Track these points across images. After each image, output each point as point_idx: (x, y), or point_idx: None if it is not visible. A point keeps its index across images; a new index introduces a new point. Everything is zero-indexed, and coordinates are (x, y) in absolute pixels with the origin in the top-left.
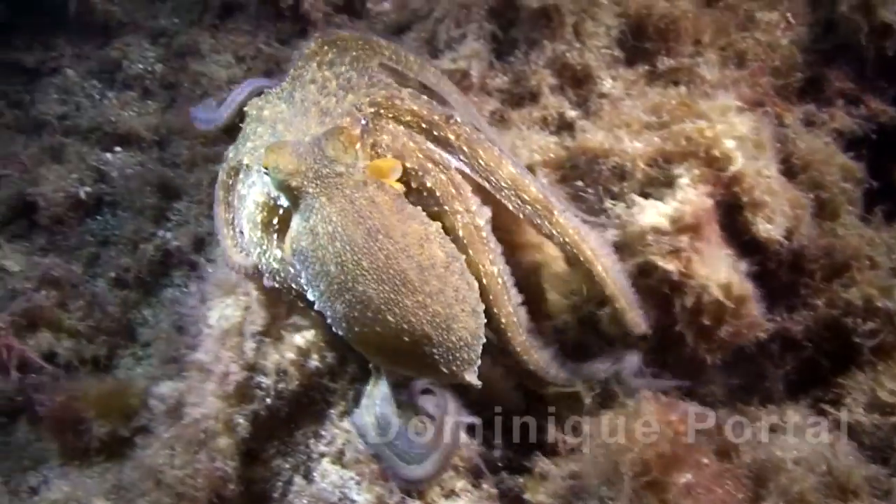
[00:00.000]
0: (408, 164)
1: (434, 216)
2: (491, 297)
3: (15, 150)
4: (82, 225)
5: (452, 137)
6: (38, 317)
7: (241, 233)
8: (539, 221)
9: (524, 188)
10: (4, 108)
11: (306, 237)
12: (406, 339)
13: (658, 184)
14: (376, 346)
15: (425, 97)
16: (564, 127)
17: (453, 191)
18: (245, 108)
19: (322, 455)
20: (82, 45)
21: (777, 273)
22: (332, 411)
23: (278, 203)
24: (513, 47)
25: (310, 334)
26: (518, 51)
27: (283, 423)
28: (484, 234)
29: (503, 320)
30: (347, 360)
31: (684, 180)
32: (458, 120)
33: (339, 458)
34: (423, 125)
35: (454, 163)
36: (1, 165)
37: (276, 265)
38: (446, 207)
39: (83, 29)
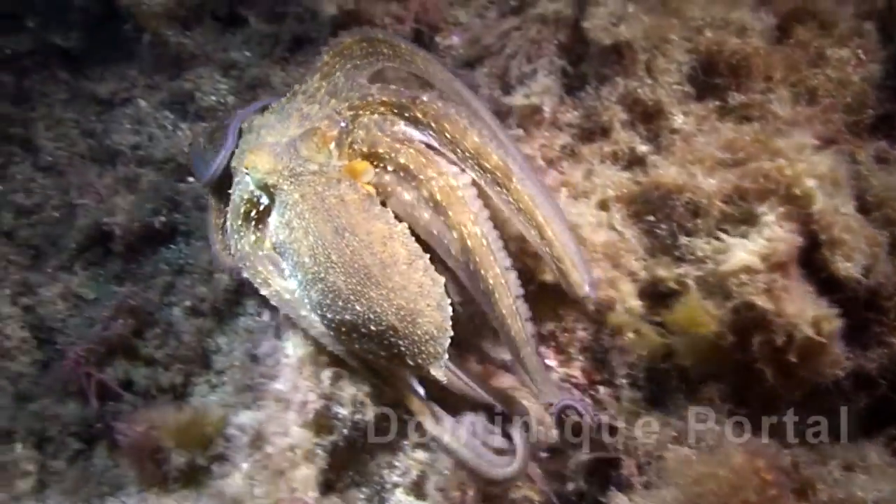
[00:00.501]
0: (380, 150)
1: (414, 190)
2: (477, 259)
3: (90, 179)
4: (157, 254)
5: (420, 115)
6: (114, 345)
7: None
8: (498, 189)
9: (486, 156)
10: (78, 137)
11: (283, 231)
12: (374, 328)
13: (734, 221)
14: (348, 334)
15: (393, 87)
16: (636, 162)
17: (423, 160)
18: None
19: (395, 485)
20: (155, 76)
21: (852, 310)
22: (405, 442)
23: (260, 200)
24: (582, 82)
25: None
26: (588, 86)
27: (358, 453)
28: (461, 194)
29: (490, 281)
30: None
31: (769, 217)
32: (425, 99)
33: (412, 489)
34: (395, 110)
35: (422, 137)
36: (77, 194)
37: (247, 249)
38: (421, 177)
39: (155, 60)
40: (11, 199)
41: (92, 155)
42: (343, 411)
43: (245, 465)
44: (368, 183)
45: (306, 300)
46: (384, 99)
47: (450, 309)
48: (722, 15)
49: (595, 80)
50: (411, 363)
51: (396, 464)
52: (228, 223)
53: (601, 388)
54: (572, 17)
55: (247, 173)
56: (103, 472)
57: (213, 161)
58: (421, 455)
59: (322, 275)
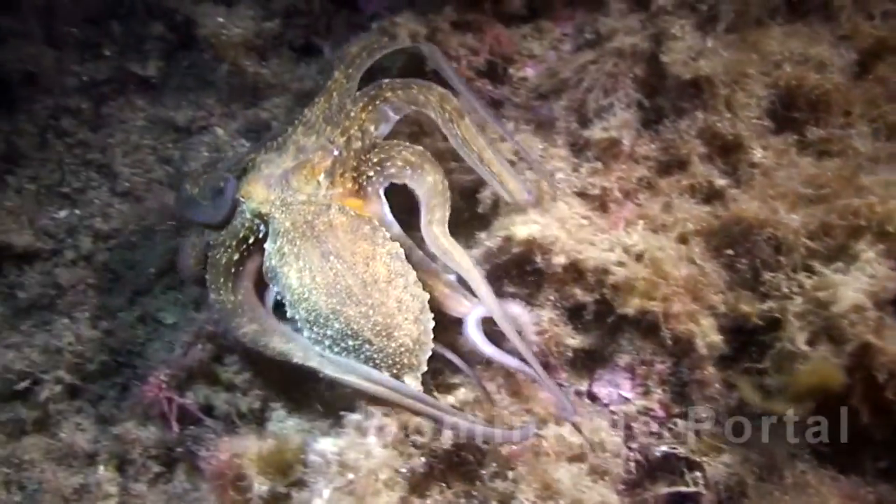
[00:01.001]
0: (363, 167)
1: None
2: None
3: (167, 204)
4: None
5: (389, 94)
6: (194, 370)
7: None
8: (451, 125)
9: (447, 100)
10: (155, 163)
11: (275, 257)
12: (351, 342)
13: (823, 257)
14: (330, 346)
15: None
16: (714, 196)
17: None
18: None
19: None
20: (231, 104)
21: None
22: (483, 471)
23: (259, 228)
24: (658, 115)
25: (461, 393)
26: (666, 119)
27: (436, 481)
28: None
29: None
30: (499, 420)
31: (869, 255)
32: (387, 81)
33: None
34: (370, 108)
35: (396, 116)
36: (155, 220)
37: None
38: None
39: (232, 89)
40: (89, 223)
41: (169, 181)
42: (422, 439)
43: (326, 493)
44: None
45: (295, 317)
46: (361, 105)
47: (431, 323)
48: (801, 50)
49: (672, 113)
50: (387, 373)
51: (474, 493)
52: (216, 242)
53: (679, 422)
54: (648, 50)
55: (243, 201)
56: (183, 496)
57: (219, 200)
58: (500, 484)
59: (306, 295)
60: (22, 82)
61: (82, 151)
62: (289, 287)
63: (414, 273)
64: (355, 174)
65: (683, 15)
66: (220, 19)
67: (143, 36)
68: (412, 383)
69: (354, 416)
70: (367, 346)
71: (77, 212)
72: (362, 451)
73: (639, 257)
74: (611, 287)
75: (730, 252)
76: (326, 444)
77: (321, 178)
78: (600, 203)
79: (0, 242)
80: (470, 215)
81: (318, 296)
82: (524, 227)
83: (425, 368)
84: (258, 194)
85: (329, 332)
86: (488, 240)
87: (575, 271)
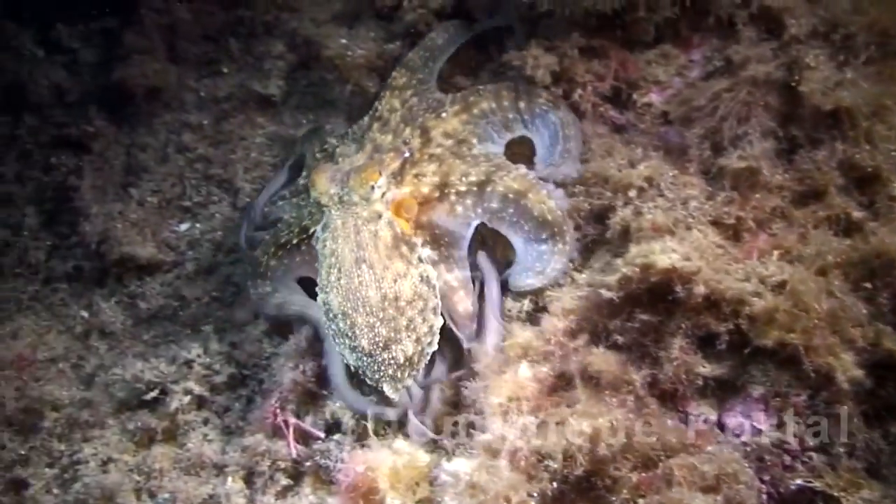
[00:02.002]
0: (452, 178)
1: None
2: (556, 228)
3: None
4: None
5: (485, 104)
6: (307, 391)
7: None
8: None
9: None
10: None
11: (321, 242)
12: (347, 342)
13: None
14: (332, 336)
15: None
16: (853, 228)
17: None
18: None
19: None
20: (352, 123)
21: None
22: (613, 498)
23: (318, 220)
24: (792, 144)
25: (597, 422)
26: (802, 149)
27: None
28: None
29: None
30: (630, 448)
31: None
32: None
33: None
34: (470, 121)
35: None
36: None
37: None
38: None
39: (352, 108)
40: (211, 237)
41: None
42: (554, 464)
43: None
44: (409, 219)
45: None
46: (454, 109)
47: (432, 349)
48: None
49: (808, 143)
50: (369, 374)
51: None
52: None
53: (814, 455)
54: (781, 79)
55: (311, 189)
56: None
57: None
58: None
59: (326, 288)
60: (145, 97)
61: (203, 166)
62: (319, 274)
63: (437, 300)
64: (437, 181)
65: (817, 45)
66: (344, 41)
67: (263, 54)
68: (388, 391)
69: (485, 437)
70: (360, 349)
71: (198, 225)
72: (494, 473)
73: (776, 288)
74: (747, 318)
75: (869, 285)
76: (459, 465)
77: (381, 181)
78: (734, 232)
79: (124, 254)
80: (595, 240)
81: (336, 294)
82: (664, 256)
83: (409, 384)
84: (320, 185)
85: (332, 326)
86: (625, 267)
87: (709, 300)
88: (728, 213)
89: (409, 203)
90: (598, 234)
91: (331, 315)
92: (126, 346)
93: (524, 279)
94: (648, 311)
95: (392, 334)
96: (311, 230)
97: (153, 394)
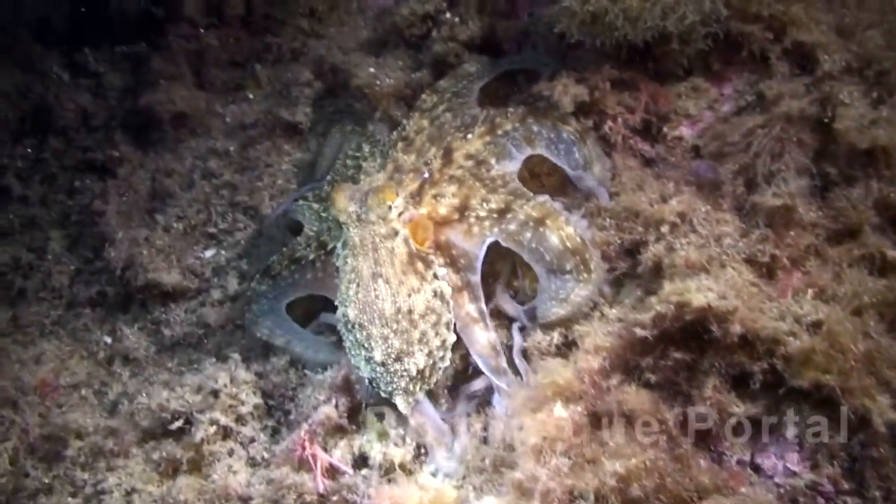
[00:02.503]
0: (473, 202)
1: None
2: (577, 258)
3: None
4: None
5: (509, 126)
6: (335, 425)
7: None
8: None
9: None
10: None
11: (341, 259)
12: (364, 353)
13: None
14: (347, 347)
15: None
16: (888, 268)
17: (512, 197)
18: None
19: None
20: None
21: None
22: None
23: (336, 236)
24: (825, 181)
25: (630, 462)
26: (836, 186)
27: None
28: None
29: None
30: (663, 489)
31: None
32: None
33: None
34: (492, 141)
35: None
36: None
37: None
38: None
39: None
40: (236, 264)
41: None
42: None
43: None
44: (425, 238)
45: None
46: (480, 131)
47: (444, 364)
48: None
49: (842, 180)
50: (382, 385)
51: None
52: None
53: (849, 499)
54: (815, 115)
55: (329, 205)
56: None
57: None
58: None
59: (344, 301)
60: (171, 122)
61: (229, 193)
62: (338, 288)
63: (450, 315)
64: (457, 203)
65: (851, 81)
66: (372, 70)
67: (290, 81)
68: (400, 404)
69: (516, 475)
70: (374, 359)
71: (224, 252)
72: None
73: (811, 328)
74: (782, 357)
75: None
76: (488, 503)
77: (398, 202)
78: (767, 269)
79: (149, 280)
80: (626, 274)
81: (353, 306)
82: (700, 295)
83: (420, 398)
84: (339, 202)
85: (350, 338)
86: (659, 304)
87: (744, 339)
88: (762, 251)
89: (425, 223)
90: (628, 269)
91: (348, 326)
92: (150, 373)
93: (549, 308)
94: (682, 350)
95: (405, 346)
96: (329, 246)
97: (178, 423)
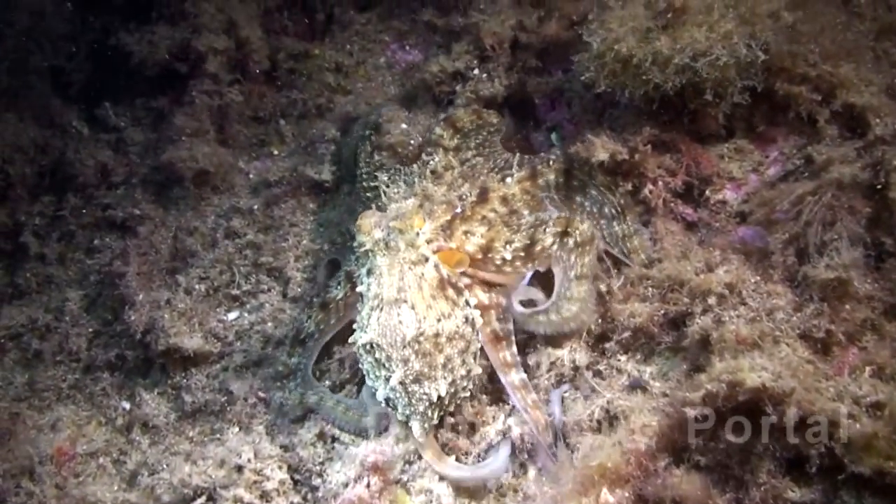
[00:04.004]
0: (496, 244)
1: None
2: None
3: None
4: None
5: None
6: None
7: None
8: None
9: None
10: None
11: (366, 285)
12: (383, 373)
13: None
14: (365, 370)
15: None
16: None
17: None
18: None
19: None
20: None
21: None
22: None
23: (363, 264)
24: (878, 249)
25: None
26: (892, 257)
27: None
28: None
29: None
30: None
31: None
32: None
33: None
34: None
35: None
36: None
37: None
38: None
39: None
40: (261, 328)
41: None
42: None
43: None
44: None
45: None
46: (519, 177)
47: (463, 394)
48: None
49: None
50: (400, 408)
51: None
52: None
53: None
54: (867, 181)
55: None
56: None
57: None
58: None
59: (365, 328)
60: (193, 180)
61: (253, 253)
62: (359, 314)
63: (478, 345)
64: (483, 243)
65: None
66: (404, 125)
67: (315, 138)
68: (415, 428)
69: None
70: (392, 380)
71: (247, 315)
72: None
73: (871, 409)
74: (840, 441)
75: None
76: None
77: (425, 227)
78: (823, 345)
79: (171, 345)
80: (669, 346)
81: (372, 332)
82: (754, 375)
83: (435, 423)
84: (365, 228)
85: (368, 359)
86: (709, 383)
87: (801, 421)
88: (817, 326)
89: (462, 258)
90: (673, 342)
91: (367, 348)
92: (171, 442)
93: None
94: (734, 432)
95: (426, 370)
96: (356, 276)
97: (201, 500)
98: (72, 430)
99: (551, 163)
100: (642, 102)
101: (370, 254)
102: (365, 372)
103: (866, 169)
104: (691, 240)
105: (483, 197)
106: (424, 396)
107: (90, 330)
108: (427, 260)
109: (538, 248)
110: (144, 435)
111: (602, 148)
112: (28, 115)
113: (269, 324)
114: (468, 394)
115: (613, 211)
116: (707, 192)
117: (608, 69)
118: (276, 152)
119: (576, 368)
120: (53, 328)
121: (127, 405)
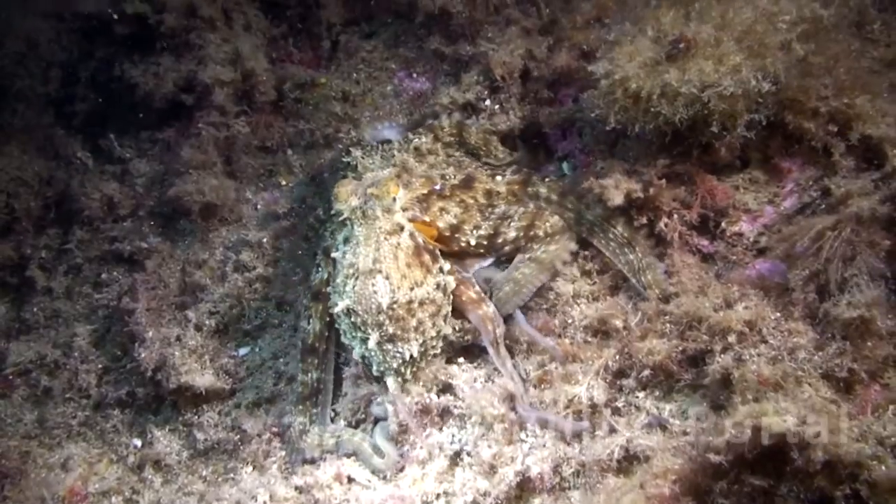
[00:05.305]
0: (465, 226)
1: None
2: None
3: None
4: (431, 437)
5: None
6: None
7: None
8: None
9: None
10: None
11: (341, 253)
12: (359, 334)
13: None
14: (342, 331)
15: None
16: None
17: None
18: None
19: None
20: None
21: None
22: None
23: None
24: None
25: None
26: None
27: None
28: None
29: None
30: None
31: None
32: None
33: None
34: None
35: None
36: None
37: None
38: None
39: None
40: (272, 364)
41: None
42: None
43: None
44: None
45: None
46: (511, 179)
47: (436, 352)
48: None
49: None
50: (375, 366)
51: None
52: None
53: None
54: (886, 214)
55: (333, 198)
56: None
57: None
58: None
59: (340, 290)
60: (201, 213)
61: (263, 286)
62: (333, 280)
63: (449, 308)
64: (454, 223)
65: None
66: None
67: (323, 168)
68: (390, 384)
69: None
70: (369, 341)
71: (258, 351)
72: None
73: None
74: (866, 483)
75: None
76: None
77: (400, 193)
78: (845, 385)
79: (182, 383)
80: (689, 383)
81: (347, 299)
82: (778, 419)
83: (409, 379)
84: (343, 196)
85: (345, 321)
86: (734, 428)
87: (826, 464)
88: (840, 366)
89: (432, 234)
90: (692, 379)
91: (342, 314)
92: (183, 481)
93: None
94: (758, 474)
95: (399, 332)
96: (332, 250)
97: None
98: (83, 469)
99: (547, 180)
100: (654, 136)
101: (347, 222)
102: (342, 332)
103: (885, 202)
104: (708, 273)
105: (468, 184)
106: (398, 354)
107: (99, 366)
108: (403, 229)
109: (500, 239)
110: (157, 473)
111: (616, 189)
112: (32, 148)
113: (281, 360)
114: (438, 351)
115: (620, 242)
116: (723, 224)
117: (619, 105)
118: (284, 182)
119: (593, 406)
120: (62, 364)
121: (138, 443)
